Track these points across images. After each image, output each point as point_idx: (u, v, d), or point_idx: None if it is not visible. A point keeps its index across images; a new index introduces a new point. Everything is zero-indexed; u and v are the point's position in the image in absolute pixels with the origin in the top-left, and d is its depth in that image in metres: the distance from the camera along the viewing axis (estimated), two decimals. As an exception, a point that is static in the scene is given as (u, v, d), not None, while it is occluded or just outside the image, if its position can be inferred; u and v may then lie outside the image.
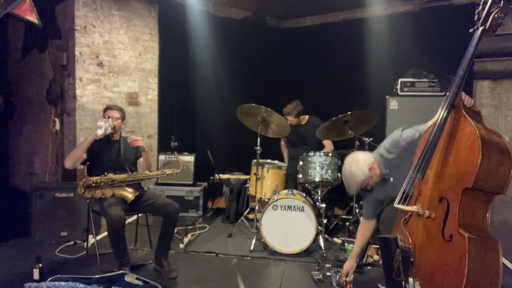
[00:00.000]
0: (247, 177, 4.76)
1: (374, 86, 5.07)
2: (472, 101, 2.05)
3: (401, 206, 2.12)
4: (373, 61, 5.04)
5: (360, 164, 2.48)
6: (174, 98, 5.41)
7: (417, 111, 4.14)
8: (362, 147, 4.02)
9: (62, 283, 2.57)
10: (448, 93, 2.04)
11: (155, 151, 5.19)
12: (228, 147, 5.91)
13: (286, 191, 3.78)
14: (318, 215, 3.63)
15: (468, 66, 2.00)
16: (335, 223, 4.37)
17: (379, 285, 2.80)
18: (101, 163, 3.15)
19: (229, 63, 5.76)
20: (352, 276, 2.83)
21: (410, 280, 2.05)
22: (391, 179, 2.52)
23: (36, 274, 2.83)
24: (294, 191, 3.73)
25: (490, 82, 4.63)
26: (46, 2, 4.31)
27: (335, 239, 3.88)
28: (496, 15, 1.91)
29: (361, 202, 4.10)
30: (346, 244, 3.60)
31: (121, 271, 2.72)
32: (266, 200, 4.04)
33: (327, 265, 3.16)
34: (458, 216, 1.86)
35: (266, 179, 4.19)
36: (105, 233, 3.51)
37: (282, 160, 4.75)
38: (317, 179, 3.77)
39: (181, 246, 3.65)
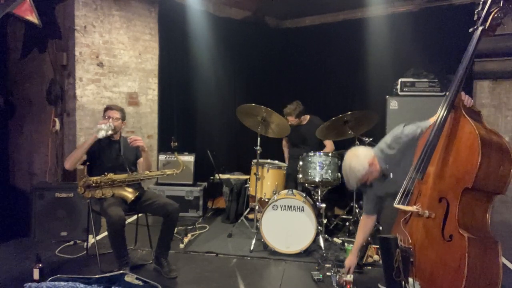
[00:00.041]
0: (247, 177, 4.76)
1: (374, 86, 5.07)
2: (472, 101, 2.05)
3: (400, 206, 2.12)
4: (373, 61, 5.04)
5: (360, 159, 2.48)
6: (174, 98, 5.42)
7: (417, 111, 4.14)
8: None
9: (62, 283, 2.57)
10: (448, 93, 2.04)
11: (155, 151, 5.19)
12: (228, 147, 5.91)
13: (286, 191, 3.79)
14: (318, 215, 3.63)
15: (468, 66, 2.00)
16: (335, 223, 4.37)
17: (379, 285, 2.80)
18: (101, 163, 3.15)
19: (229, 63, 5.77)
20: (352, 276, 2.83)
21: (410, 280, 2.05)
22: (391, 175, 2.51)
23: (36, 274, 2.83)
24: (294, 191, 3.73)
25: (490, 82, 4.63)
26: (46, 2, 4.30)
27: (335, 239, 3.88)
28: (495, 15, 1.91)
29: (361, 202, 4.10)
30: (346, 244, 3.60)
31: (121, 271, 2.72)
32: (266, 200, 4.04)
33: (327, 265, 3.16)
34: (458, 216, 1.86)
35: (266, 179, 4.19)
36: (105, 233, 3.52)
37: (282, 160, 4.75)
38: (317, 179, 3.77)
39: (181, 246, 3.65)
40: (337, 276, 2.85)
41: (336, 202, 4.82)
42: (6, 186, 4.57)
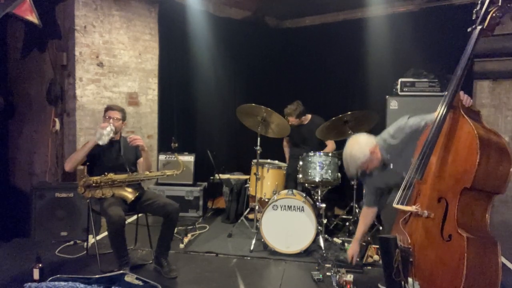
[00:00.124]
0: (247, 177, 4.76)
1: (374, 86, 5.07)
2: (471, 100, 2.05)
3: (400, 206, 2.12)
4: (373, 61, 5.03)
5: (362, 146, 2.48)
6: (174, 98, 5.42)
7: (417, 111, 4.10)
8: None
9: (62, 283, 2.57)
10: (446, 93, 2.04)
11: (155, 151, 5.19)
12: (228, 147, 5.92)
13: (286, 191, 3.79)
14: (318, 215, 3.63)
15: (466, 66, 2.00)
16: (335, 223, 4.37)
17: (379, 285, 2.81)
18: (101, 163, 3.15)
19: (229, 63, 5.77)
20: (352, 276, 2.84)
21: (410, 280, 2.05)
22: (391, 165, 2.51)
23: (36, 274, 2.83)
24: (294, 191, 3.73)
25: (490, 82, 4.62)
26: (46, 2, 4.31)
27: (335, 239, 3.88)
28: (494, 14, 1.91)
29: (361, 202, 4.11)
30: (346, 244, 3.61)
31: (121, 271, 2.72)
32: (266, 200, 4.04)
33: (327, 265, 3.16)
34: (457, 216, 1.86)
35: (266, 179, 4.19)
36: (105, 233, 3.52)
37: (282, 160, 4.75)
38: (317, 179, 3.77)
39: (181, 246, 3.65)
40: (337, 276, 2.85)
41: (336, 202, 4.82)
42: (6, 186, 4.57)
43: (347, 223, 4.17)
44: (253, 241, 3.65)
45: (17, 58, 4.59)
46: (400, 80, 4.48)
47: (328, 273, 3.01)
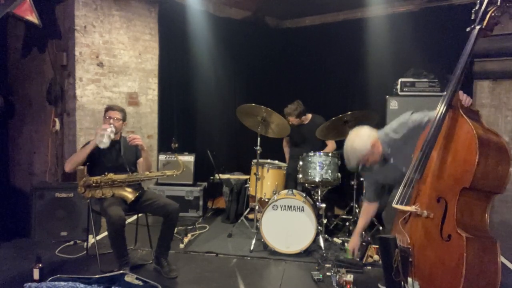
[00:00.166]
0: (247, 177, 4.76)
1: (374, 86, 5.07)
2: (471, 99, 2.05)
3: (399, 206, 2.13)
4: (373, 61, 5.03)
5: (363, 138, 2.48)
6: (174, 98, 5.42)
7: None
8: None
9: (62, 283, 2.57)
10: (445, 93, 2.04)
11: (155, 151, 5.19)
12: (228, 147, 5.92)
13: (286, 191, 3.79)
14: (318, 215, 3.63)
15: (465, 66, 2.00)
16: (335, 223, 4.37)
17: (379, 285, 2.81)
18: (101, 163, 3.15)
19: (229, 63, 5.77)
20: (352, 276, 2.84)
21: (410, 280, 2.05)
22: (392, 160, 2.51)
23: (36, 274, 2.83)
24: (294, 191, 3.73)
25: (490, 82, 4.62)
26: (46, 2, 4.31)
27: (335, 239, 3.88)
28: (493, 14, 1.91)
29: (361, 196, 4.11)
30: (346, 244, 3.60)
31: (121, 271, 2.72)
32: (266, 200, 4.04)
33: (327, 265, 3.16)
34: (456, 216, 1.86)
35: (266, 179, 4.19)
36: (105, 233, 3.52)
37: (282, 160, 4.75)
38: (317, 179, 3.77)
39: (181, 246, 3.65)
40: (337, 276, 2.85)
41: (336, 202, 4.82)
42: (6, 186, 4.57)
43: (347, 223, 4.17)
44: (253, 241, 3.65)
45: (17, 58, 4.60)
46: (400, 80, 4.48)
47: (328, 273, 3.01)
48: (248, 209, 4.37)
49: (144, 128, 5.14)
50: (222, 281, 2.99)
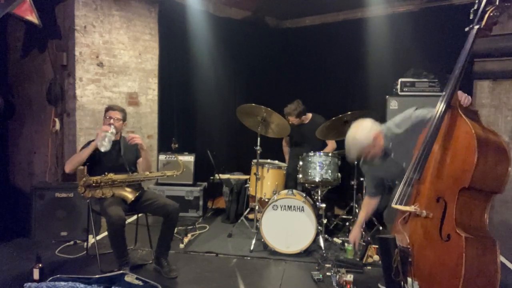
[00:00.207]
0: (247, 177, 4.76)
1: (374, 86, 5.07)
2: (470, 99, 2.04)
3: (398, 206, 2.13)
4: (373, 61, 5.03)
5: (366, 130, 2.47)
6: (174, 98, 5.42)
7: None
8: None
9: (62, 283, 2.57)
10: (444, 93, 2.04)
11: (155, 151, 5.19)
12: (228, 147, 5.92)
13: (286, 191, 3.79)
14: (318, 215, 3.63)
15: (464, 65, 2.00)
16: (335, 223, 4.37)
17: (379, 285, 2.81)
18: (101, 163, 3.15)
19: (229, 63, 5.77)
20: (352, 276, 2.84)
21: (409, 280, 2.05)
22: (392, 155, 2.50)
23: (36, 274, 2.83)
24: (294, 191, 3.73)
25: (490, 82, 4.62)
26: (46, 2, 4.31)
27: (335, 239, 3.88)
28: (491, 14, 1.91)
29: (361, 202, 4.11)
30: (346, 244, 3.60)
31: (121, 271, 2.72)
32: (266, 200, 4.04)
33: (327, 265, 3.17)
34: (455, 216, 1.86)
35: (266, 179, 4.19)
36: (105, 233, 3.52)
37: (282, 160, 4.75)
38: (317, 179, 3.77)
39: (181, 246, 3.65)
40: (337, 276, 2.85)
41: (336, 202, 4.83)
42: (6, 186, 4.58)
43: (347, 223, 4.17)
44: (253, 241, 3.65)
45: (17, 58, 4.60)
46: (400, 80, 4.48)
47: (328, 273, 3.01)
48: (248, 209, 4.37)
49: (144, 128, 5.14)
50: (222, 281, 2.99)
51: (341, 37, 5.36)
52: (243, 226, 4.24)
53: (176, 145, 3.29)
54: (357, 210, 4.15)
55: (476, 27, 1.96)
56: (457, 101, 2.01)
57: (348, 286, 2.77)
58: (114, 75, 4.82)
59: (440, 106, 2.02)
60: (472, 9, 1.98)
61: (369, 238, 3.59)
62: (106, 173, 3.04)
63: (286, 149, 4.87)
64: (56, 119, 4.53)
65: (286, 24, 6.17)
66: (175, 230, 3.30)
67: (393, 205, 2.15)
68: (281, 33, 6.09)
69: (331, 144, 4.42)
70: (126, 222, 2.92)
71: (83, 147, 3.18)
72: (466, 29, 2.01)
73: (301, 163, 3.89)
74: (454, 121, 1.97)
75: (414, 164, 2.09)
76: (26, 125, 4.66)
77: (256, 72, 5.91)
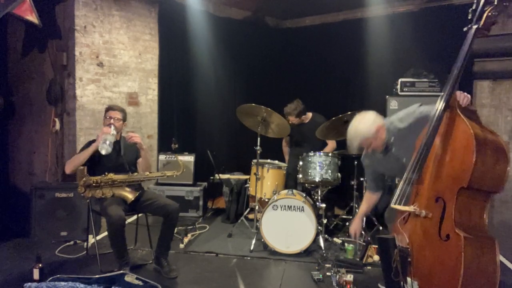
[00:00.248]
0: (247, 177, 4.76)
1: (374, 86, 5.07)
2: (468, 98, 2.02)
3: (397, 206, 2.13)
4: (373, 61, 5.03)
5: (369, 122, 2.47)
6: (174, 98, 5.42)
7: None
8: (362, 147, 4.01)
9: (62, 283, 2.57)
10: (443, 93, 2.04)
11: (155, 151, 5.19)
12: (228, 147, 5.92)
13: (286, 191, 3.79)
14: (318, 215, 3.63)
15: (462, 65, 2.01)
16: (335, 223, 4.37)
17: (379, 285, 2.81)
18: (101, 163, 3.15)
19: (229, 63, 5.77)
20: (352, 276, 2.84)
21: (409, 279, 2.05)
22: (393, 149, 2.49)
23: (36, 274, 2.84)
24: (294, 191, 3.73)
25: (490, 82, 4.62)
26: (46, 2, 4.31)
27: (335, 239, 3.88)
28: (489, 13, 1.91)
29: (360, 202, 4.10)
30: (346, 244, 3.60)
31: (121, 271, 2.72)
32: (266, 200, 4.04)
33: (327, 265, 3.17)
34: (454, 216, 1.86)
35: (266, 179, 4.19)
36: (105, 233, 3.52)
37: (282, 160, 4.75)
38: (317, 179, 3.77)
39: (181, 246, 3.65)
40: (337, 276, 2.85)
41: (336, 202, 4.82)
42: (6, 186, 4.58)
43: (347, 223, 4.17)
44: (253, 241, 3.65)
45: (17, 58, 4.60)
46: (400, 80, 4.48)
47: (328, 273, 3.01)
48: (248, 209, 4.37)
49: (144, 128, 5.14)
50: (222, 281, 2.99)
51: (341, 37, 5.36)
52: (243, 226, 4.24)
53: (176, 146, 3.29)
54: (357, 210, 4.15)
55: (475, 27, 1.96)
56: (455, 101, 2.01)
57: (348, 286, 2.77)
58: (114, 75, 4.82)
59: (439, 106, 2.02)
60: (471, 9, 1.99)
61: (369, 238, 3.59)
62: (106, 173, 3.04)
63: (286, 149, 4.87)
64: (56, 119, 4.53)
65: (286, 24, 6.17)
66: (175, 230, 3.30)
67: (392, 205, 2.15)
68: (281, 33, 6.09)
69: (331, 144, 4.41)
70: (126, 222, 2.92)
71: (83, 148, 3.17)
72: (465, 29, 2.01)
73: (301, 163, 3.89)
74: (453, 121, 1.97)
75: (413, 164, 2.09)
76: (26, 125, 4.66)
77: (256, 72, 5.91)
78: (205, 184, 5.01)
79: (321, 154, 3.83)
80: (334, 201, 4.68)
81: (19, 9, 3.82)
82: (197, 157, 4.91)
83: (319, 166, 3.78)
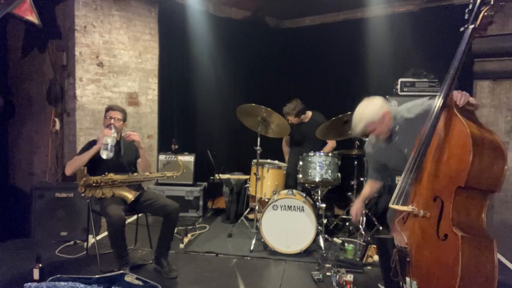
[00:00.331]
0: (247, 177, 4.76)
1: (374, 86, 5.07)
2: (466, 98, 2.01)
3: (396, 206, 2.13)
4: (373, 61, 5.04)
5: (376, 106, 2.45)
6: (174, 98, 5.42)
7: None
8: (362, 147, 4.01)
9: (62, 283, 2.57)
10: (439, 93, 2.04)
11: (155, 151, 5.19)
12: (228, 147, 5.92)
13: (286, 191, 3.79)
14: (318, 215, 3.63)
15: (459, 66, 2.01)
16: (335, 223, 4.37)
17: (379, 285, 2.81)
18: (101, 163, 3.14)
19: (229, 63, 5.77)
20: (352, 276, 2.84)
21: (408, 279, 2.05)
22: (397, 138, 2.48)
23: (36, 274, 2.84)
24: (294, 191, 3.73)
25: (490, 82, 4.63)
26: (46, 2, 4.31)
27: (335, 239, 3.88)
28: (486, 13, 1.91)
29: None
30: (346, 244, 3.61)
31: (121, 271, 2.72)
32: (266, 200, 4.04)
33: (327, 265, 3.16)
34: (452, 215, 1.86)
35: (266, 179, 4.19)
36: (105, 233, 3.52)
37: (282, 160, 4.75)
38: (317, 179, 3.77)
39: (181, 246, 3.65)
40: (337, 276, 2.85)
41: (336, 202, 4.82)
42: (6, 186, 4.57)
43: (347, 223, 4.17)
44: (253, 241, 3.65)
45: (17, 58, 4.60)
46: (400, 80, 4.48)
47: (328, 273, 3.01)
48: (248, 209, 4.37)
49: (144, 128, 5.14)
50: (222, 281, 2.99)
51: (341, 37, 5.36)
52: (243, 226, 4.24)
53: (176, 146, 3.29)
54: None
55: (471, 27, 1.96)
56: (452, 100, 2.01)
57: (348, 286, 2.77)
58: (114, 75, 4.82)
59: (436, 106, 2.02)
60: (467, 9, 1.99)
61: (369, 238, 3.59)
62: (106, 173, 3.04)
63: (285, 149, 4.87)
64: (56, 119, 4.54)
65: (286, 24, 6.17)
66: (175, 230, 3.30)
67: (391, 205, 2.15)
68: (281, 33, 6.10)
69: (331, 143, 4.41)
70: (126, 222, 2.92)
71: (83, 148, 3.17)
72: (461, 29, 2.01)
73: (301, 163, 3.89)
74: (450, 121, 1.97)
75: (411, 164, 2.09)
76: (26, 125, 4.66)
77: (256, 72, 5.91)
78: (205, 184, 5.01)
79: (321, 154, 3.83)
80: (334, 201, 4.69)
81: (19, 9, 3.82)
82: (197, 157, 4.91)
83: (319, 166, 3.78)
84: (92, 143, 3.13)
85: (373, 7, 5.19)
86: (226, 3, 5.67)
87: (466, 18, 1.99)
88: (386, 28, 4.94)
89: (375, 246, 3.37)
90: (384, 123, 2.45)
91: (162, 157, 4.89)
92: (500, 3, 1.88)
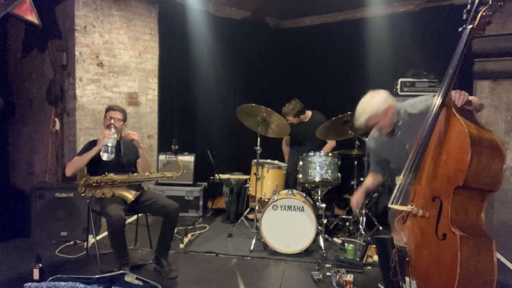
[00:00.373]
0: (247, 177, 4.76)
1: (374, 86, 4.99)
2: (465, 98, 2.00)
3: (395, 206, 2.13)
4: (373, 61, 5.03)
5: (380, 99, 2.45)
6: (174, 98, 5.42)
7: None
8: (362, 147, 4.02)
9: (62, 283, 2.57)
10: (437, 93, 2.04)
11: (155, 151, 5.19)
12: (228, 147, 5.92)
13: (286, 191, 3.79)
14: (318, 215, 3.63)
15: (458, 66, 2.01)
16: (335, 223, 4.37)
17: (379, 285, 2.81)
18: (101, 163, 3.14)
19: (229, 63, 5.77)
20: (352, 276, 2.84)
21: (407, 279, 2.05)
22: (399, 133, 2.47)
23: (36, 274, 2.84)
24: (294, 191, 3.73)
25: (490, 82, 4.62)
26: (46, 2, 4.31)
27: (335, 239, 3.88)
28: (483, 13, 1.91)
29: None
30: (346, 244, 3.61)
31: (121, 271, 2.72)
32: (266, 200, 4.04)
33: (327, 265, 3.17)
34: (450, 215, 1.86)
35: (266, 179, 4.19)
36: (105, 233, 3.52)
37: (282, 160, 4.75)
38: (317, 179, 3.77)
39: (181, 246, 3.65)
40: (337, 276, 2.85)
41: (336, 202, 4.82)
42: (6, 186, 4.57)
43: (347, 223, 4.17)
44: (253, 241, 3.65)
45: (17, 58, 4.60)
46: (400, 80, 4.48)
47: (328, 273, 3.01)
48: (248, 209, 4.37)
49: (144, 128, 5.14)
50: (222, 281, 2.99)
51: (341, 37, 5.36)
52: (243, 226, 4.24)
53: (176, 147, 3.29)
54: (357, 211, 4.15)
55: (469, 27, 1.96)
56: (451, 100, 2.01)
57: (348, 286, 2.77)
58: (114, 75, 4.82)
59: (434, 106, 2.03)
60: (465, 9, 1.99)
61: (369, 238, 3.59)
62: (106, 173, 3.04)
63: (285, 148, 4.87)
64: (56, 119, 4.54)
65: (286, 24, 6.17)
66: (175, 230, 3.30)
67: (390, 205, 2.15)
68: (281, 33, 6.09)
69: (331, 143, 4.41)
70: (126, 222, 2.92)
71: (84, 149, 3.17)
72: (460, 29, 2.01)
73: (301, 163, 3.90)
74: (448, 120, 1.97)
75: (410, 164, 2.10)
76: (26, 125, 4.66)
77: (256, 72, 5.91)
78: (205, 184, 5.01)
79: (321, 154, 3.83)
80: (334, 201, 4.69)
81: (19, 9, 3.82)
82: (197, 157, 4.91)
83: (319, 166, 3.78)
84: (92, 143, 3.13)
85: (373, 7, 5.19)
86: (226, 3, 5.67)
87: (464, 18, 1.99)
88: (386, 28, 4.94)
89: (375, 246, 3.37)
90: (388, 117, 2.44)
91: (162, 157, 4.89)
92: (498, 3, 1.88)
